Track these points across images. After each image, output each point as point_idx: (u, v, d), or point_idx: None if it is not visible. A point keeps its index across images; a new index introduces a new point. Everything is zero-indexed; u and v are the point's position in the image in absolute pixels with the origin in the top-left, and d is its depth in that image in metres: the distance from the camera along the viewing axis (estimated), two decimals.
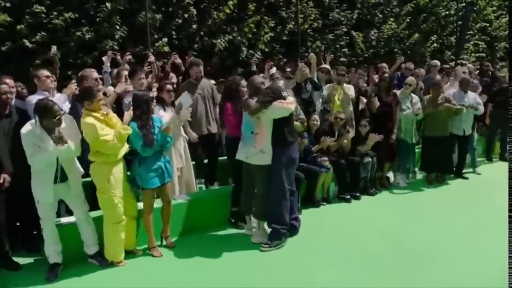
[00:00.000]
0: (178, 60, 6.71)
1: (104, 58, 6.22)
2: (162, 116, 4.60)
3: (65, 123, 3.72)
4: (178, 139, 4.94)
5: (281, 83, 5.41)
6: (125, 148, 4.02)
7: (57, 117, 3.58)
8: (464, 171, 7.07)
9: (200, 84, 5.58)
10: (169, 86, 4.93)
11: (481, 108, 6.89)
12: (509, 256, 3.59)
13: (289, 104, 4.26)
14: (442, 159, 6.62)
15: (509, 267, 3.48)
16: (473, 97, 6.87)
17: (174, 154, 4.86)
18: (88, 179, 4.04)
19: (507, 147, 8.16)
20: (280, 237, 4.35)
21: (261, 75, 7.09)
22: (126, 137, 3.94)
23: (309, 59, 6.51)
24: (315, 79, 6.29)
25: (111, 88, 5.33)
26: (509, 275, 3.44)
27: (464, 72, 8.19)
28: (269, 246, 4.30)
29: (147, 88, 5.33)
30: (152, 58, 6.22)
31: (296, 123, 5.23)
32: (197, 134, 5.37)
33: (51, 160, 3.61)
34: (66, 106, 4.54)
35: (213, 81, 6.21)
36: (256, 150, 4.27)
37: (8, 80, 4.34)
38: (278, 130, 4.28)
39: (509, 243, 3.67)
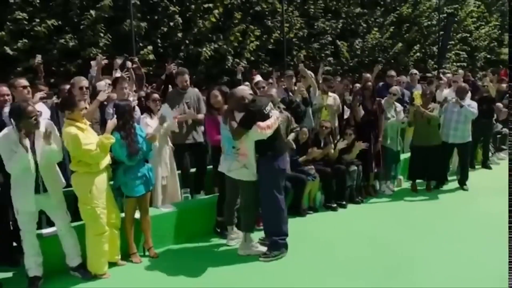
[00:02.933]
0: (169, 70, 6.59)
1: (92, 62, 6.11)
2: (149, 124, 4.60)
3: (45, 127, 3.63)
4: (163, 148, 4.91)
5: (273, 91, 5.34)
6: (108, 158, 3.98)
7: (33, 117, 3.51)
8: (450, 178, 7.10)
9: (187, 93, 5.58)
10: (155, 95, 4.93)
11: (475, 112, 6.71)
12: (509, 256, 3.62)
13: (267, 129, 4.07)
14: (429, 168, 6.62)
15: (509, 267, 3.51)
16: (470, 104, 6.71)
17: (159, 162, 4.84)
18: (71, 189, 3.95)
19: (489, 154, 8.31)
20: (279, 248, 4.29)
21: (246, 83, 7.08)
22: (109, 147, 3.89)
23: (301, 73, 6.57)
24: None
25: (101, 83, 5.29)
26: (509, 275, 3.46)
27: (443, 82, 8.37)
28: (268, 256, 4.24)
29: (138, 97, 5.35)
30: (129, 64, 6.14)
31: (292, 134, 5.28)
32: (183, 142, 5.36)
33: (28, 165, 3.51)
34: (46, 114, 4.47)
35: (197, 90, 6.16)
36: (238, 165, 4.19)
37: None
38: (265, 144, 4.17)
39: (509, 243, 3.67)
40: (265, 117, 4.09)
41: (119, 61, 6.29)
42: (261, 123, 4.03)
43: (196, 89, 5.90)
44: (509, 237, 3.67)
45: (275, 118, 4.21)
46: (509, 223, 3.73)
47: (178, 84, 5.57)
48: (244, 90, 4.46)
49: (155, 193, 4.82)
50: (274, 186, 4.22)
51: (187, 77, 5.59)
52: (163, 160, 4.90)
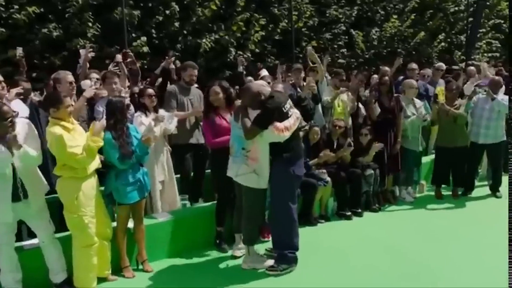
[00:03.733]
0: (173, 66, 6.60)
1: (81, 51, 6.13)
2: (143, 123, 4.61)
3: (22, 128, 3.63)
4: (161, 150, 4.96)
5: (279, 86, 5.34)
6: (96, 162, 3.99)
7: (8, 119, 3.49)
8: (479, 184, 7.07)
9: (192, 89, 5.64)
10: (150, 91, 4.96)
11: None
12: (509, 256, 3.74)
13: (285, 130, 4.04)
14: (456, 172, 6.61)
15: (509, 267, 3.64)
16: (503, 98, 6.58)
17: (156, 166, 4.89)
18: (55, 195, 3.95)
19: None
20: (288, 261, 4.28)
21: (249, 78, 7.07)
22: (97, 150, 3.89)
23: (309, 57, 6.53)
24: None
25: (87, 82, 5.33)
26: (509, 275, 3.58)
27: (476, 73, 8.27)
28: (275, 269, 4.23)
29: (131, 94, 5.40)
30: (119, 57, 6.17)
31: (300, 133, 5.17)
32: (185, 143, 5.41)
33: (3, 170, 3.50)
34: (25, 112, 4.43)
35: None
36: (248, 169, 4.15)
37: None
38: (280, 145, 4.12)
39: (509, 243, 3.78)
40: (284, 116, 4.07)
41: (119, 56, 6.32)
42: (278, 124, 4.00)
43: (199, 90, 5.94)
44: (509, 237, 3.81)
45: (295, 118, 4.18)
46: (509, 223, 3.95)
47: (185, 78, 5.59)
48: (261, 84, 4.48)
49: (154, 200, 4.89)
50: (287, 194, 4.20)
51: (196, 71, 5.63)
52: (160, 163, 4.94)
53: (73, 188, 3.79)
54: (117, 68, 6.01)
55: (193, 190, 5.57)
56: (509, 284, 3.57)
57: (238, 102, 4.61)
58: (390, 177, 6.48)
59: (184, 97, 5.50)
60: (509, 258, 3.70)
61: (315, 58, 6.57)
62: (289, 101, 4.25)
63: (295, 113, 4.21)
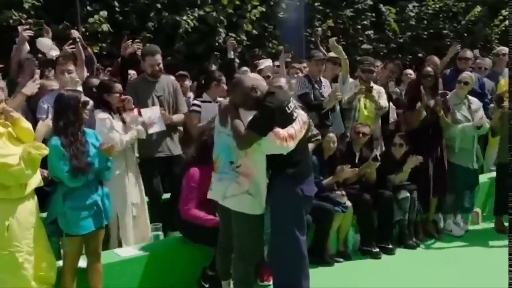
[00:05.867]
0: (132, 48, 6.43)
1: (19, 28, 6.08)
2: (116, 129, 4.73)
3: None
4: (133, 162, 5.07)
5: (282, 81, 5.26)
6: (37, 178, 3.95)
7: None
8: None
9: (159, 82, 5.65)
10: (118, 85, 5.00)
11: None
12: (509, 256, 4.13)
13: (289, 139, 3.97)
14: None
15: (509, 267, 4.02)
16: None
17: (128, 181, 4.94)
18: None
19: None
20: None
21: (244, 68, 7.08)
22: (40, 160, 3.86)
23: (332, 50, 6.50)
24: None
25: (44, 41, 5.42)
26: (509, 275, 3.89)
27: None
28: None
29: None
30: (76, 33, 6.18)
31: (311, 144, 5.19)
32: (151, 156, 5.47)
33: None
34: None
35: (172, 77, 6.29)
36: (239, 189, 4.10)
37: None
38: (282, 158, 4.06)
39: (509, 243, 3.91)
40: (288, 118, 4.04)
41: (76, 32, 6.33)
42: (280, 131, 3.94)
43: (171, 77, 5.97)
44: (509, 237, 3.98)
45: (302, 123, 4.14)
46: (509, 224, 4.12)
47: (146, 69, 5.63)
48: (256, 78, 4.47)
49: (124, 231, 4.93)
50: (293, 222, 4.15)
51: (158, 58, 5.62)
52: (132, 179, 5.00)
53: (3, 215, 3.73)
54: (73, 47, 6.00)
55: (167, 216, 5.53)
56: (509, 285, 3.88)
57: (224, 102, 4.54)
58: (434, 201, 6.46)
59: (148, 94, 5.52)
60: (509, 258, 4.19)
61: (340, 52, 6.51)
62: (293, 100, 4.24)
63: (301, 116, 4.17)
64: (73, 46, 6.01)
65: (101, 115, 4.88)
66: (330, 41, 6.57)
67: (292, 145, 3.99)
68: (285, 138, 3.94)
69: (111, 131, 4.81)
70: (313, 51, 7.24)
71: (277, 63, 7.89)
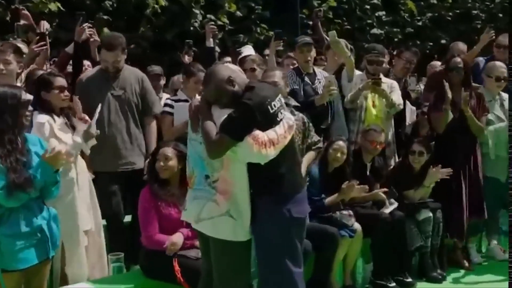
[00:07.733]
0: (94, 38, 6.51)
1: None
2: (61, 137, 4.84)
3: None
4: (85, 179, 5.15)
5: (276, 75, 5.31)
6: None
7: None
8: None
9: (120, 77, 5.72)
10: (59, 79, 4.99)
11: None
12: (509, 256, 4.69)
13: (270, 145, 3.96)
14: None
15: (509, 267, 4.64)
16: None
17: (78, 204, 4.98)
18: None
19: None
20: None
21: (227, 58, 7.22)
22: None
23: (332, 45, 6.69)
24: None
25: None
26: (509, 275, 4.42)
27: None
28: None
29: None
30: (46, 25, 6.38)
31: (310, 154, 5.24)
32: (108, 170, 5.55)
33: None
34: None
35: (139, 71, 6.32)
36: (217, 210, 4.08)
37: None
38: (265, 173, 4.08)
39: (509, 243, 4.46)
40: (270, 120, 4.00)
41: (46, 23, 6.49)
42: (259, 134, 3.89)
43: (136, 70, 6.04)
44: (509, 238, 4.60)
45: (287, 126, 4.09)
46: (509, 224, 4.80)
47: (103, 62, 5.68)
48: (231, 68, 4.44)
49: (73, 262, 4.99)
50: (283, 251, 4.15)
51: (118, 55, 5.73)
52: (85, 198, 5.05)
53: None
54: (43, 46, 6.06)
55: (129, 244, 5.56)
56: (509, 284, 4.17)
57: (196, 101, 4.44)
58: (463, 224, 6.41)
59: (104, 92, 5.59)
60: (509, 258, 4.99)
61: (342, 49, 6.61)
62: (280, 96, 4.19)
63: (287, 118, 4.12)
64: (43, 43, 6.02)
65: (39, 118, 4.81)
66: (329, 34, 6.62)
67: (272, 152, 3.97)
68: (264, 144, 3.94)
69: (51, 139, 4.70)
70: (300, 37, 7.22)
71: (266, 51, 8.04)
